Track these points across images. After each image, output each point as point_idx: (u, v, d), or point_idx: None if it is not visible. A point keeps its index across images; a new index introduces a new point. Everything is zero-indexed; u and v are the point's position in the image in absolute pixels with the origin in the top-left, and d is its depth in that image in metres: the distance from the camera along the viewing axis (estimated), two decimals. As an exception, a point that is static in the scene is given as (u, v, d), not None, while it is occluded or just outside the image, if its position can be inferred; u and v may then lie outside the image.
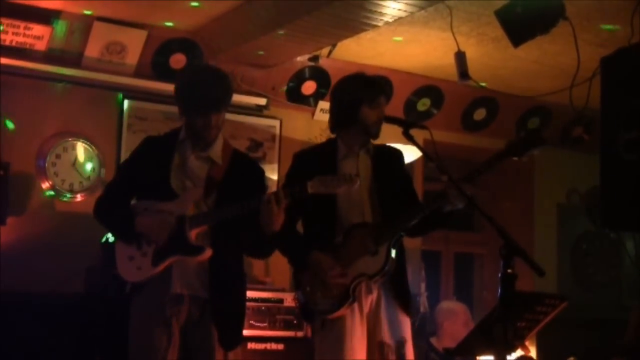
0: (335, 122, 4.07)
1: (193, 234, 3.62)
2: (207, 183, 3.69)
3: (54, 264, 5.47)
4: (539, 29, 4.62)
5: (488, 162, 3.78)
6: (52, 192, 5.78)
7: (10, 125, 5.74)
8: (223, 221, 3.63)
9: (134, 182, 3.78)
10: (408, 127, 3.83)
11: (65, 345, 5.22)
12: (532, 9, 4.59)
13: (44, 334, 5.17)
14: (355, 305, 3.86)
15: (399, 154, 4.17)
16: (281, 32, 5.52)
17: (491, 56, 6.12)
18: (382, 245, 3.83)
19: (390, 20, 5.17)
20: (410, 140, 3.81)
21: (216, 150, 3.75)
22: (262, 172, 3.99)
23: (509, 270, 2.88)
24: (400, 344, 3.90)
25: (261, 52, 6.04)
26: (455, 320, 6.09)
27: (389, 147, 4.19)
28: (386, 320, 3.91)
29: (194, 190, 3.68)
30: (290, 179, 3.99)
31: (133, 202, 3.85)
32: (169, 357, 3.63)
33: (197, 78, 3.74)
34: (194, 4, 5.40)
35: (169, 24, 5.95)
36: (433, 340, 6.13)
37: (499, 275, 2.89)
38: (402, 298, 3.97)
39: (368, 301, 3.91)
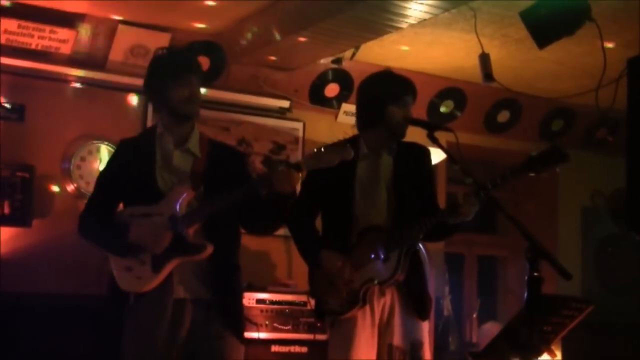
0: (361, 120, 4.04)
1: (191, 232, 3.51)
2: (193, 178, 3.59)
3: (79, 267, 5.50)
4: (564, 30, 4.58)
5: (503, 175, 3.65)
6: (77, 195, 5.83)
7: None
8: (214, 214, 3.52)
9: (116, 189, 3.66)
10: (432, 129, 3.80)
11: (89, 347, 5.25)
12: (557, 11, 4.54)
13: (68, 335, 5.20)
14: (367, 307, 3.84)
15: (424, 152, 4.06)
16: (304, 34, 5.52)
17: (515, 58, 6.09)
18: (393, 251, 3.79)
19: (414, 22, 5.15)
20: (435, 142, 3.79)
21: (194, 143, 3.64)
22: (243, 157, 3.93)
23: (535, 274, 2.85)
24: (415, 347, 3.87)
25: (283, 55, 6.03)
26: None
27: (415, 145, 4.07)
28: (399, 324, 3.86)
29: (180, 187, 3.54)
30: (310, 174, 3.94)
31: (118, 209, 3.73)
32: None
33: (161, 54, 3.71)
34: (211, 3, 5.39)
35: (194, 25, 5.96)
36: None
37: (525, 278, 2.86)
38: (419, 303, 3.92)
39: (380, 304, 3.88)
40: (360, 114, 4.04)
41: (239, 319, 3.72)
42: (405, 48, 6.15)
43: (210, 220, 3.54)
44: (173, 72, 3.54)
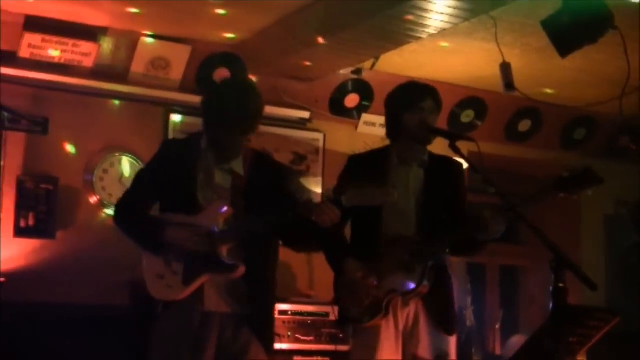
0: (387, 132, 4.06)
1: (224, 250, 3.52)
2: (233, 194, 3.61)
3: (102, 277, 5.55)
4: (587, 38, 4.55)
5: (534, 196, 3.62)
6: (100, 207, 5.89)
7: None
8: (252, 233, 3.54)
9: (154, 189, 3.68)
10: (454, 139, 3.79)
11: (113, 357, 5.26)
12: (579, 18, 4.50)
13: (92, 346, 5.23)
14: (391, 317, 3.83)
15: (457, 167, 4.03)
16: (324, 45, 5.53)
17: (535, 66, 6.06)
18: (418, 263, 3.78)
19: (434, 32, 5.15)
20: (457, 152, 3.77)
21: (237, 162, 3.66)
22: (284, 172, 3.93)
23: (560, 284, 2.83)
24: (441, 359, 3.86)
25: (304, 65, 6.05)
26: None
27: (448, 159, 4.04)
28: (425, 335, 3.84)
29: (219, 203, 3.56)
30: (341, 182, 3.96)
31: (155, 213, 3.75)
32: None
33: (228, 97, 3.59)
34: (221, 11, 5.42)
35: (214, 37, 5.99)
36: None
37: (550, 288, 2.84)
38: (445, 317, 3.90)
39: (404, 314, 3.86)
40: (386, 125, 4.07)
41: (269, 332, 3.74)
42: (425, 58, 6.14)
43: (250, 239, 3.56)
44: (233, 127, 3.56)
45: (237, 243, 3.56)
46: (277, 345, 5.43)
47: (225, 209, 3.55)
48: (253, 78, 6.20)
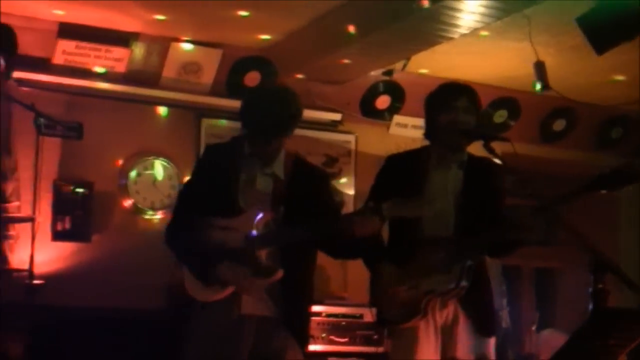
0: (424, 133, 4.03)
1: (263, 254, 3.50)
2: (273, 199, 3.59)
3: (137, 280, 5.60)
4: (623, 35, 4.49)
5: (575, 194, 3.56)
6: (134, 210, 5.95)
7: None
8: (292, 240, 3.52)
9: (200, 197, 3.66)
10: (489, 139, 3.75)
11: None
12: (615, 15, 4.44)
13: (126, 349, 5.25)
14: (429, 318, 3.80)
15: (495, 168, 3.97)
16: (354, 47, 5.52)
17: (570, 65, 6.00)
18: (456, 264, 3.75)
19: (466, 32, 5.12)
20: (492, 153, 3.73)
21: (279, 164, 3.64)
22: (325, 178, 3.92)
23: (600, 286, 2.78)
24: (480, 360, 3.83)
25: (335, 67, 6.05)
26: (554, 351, 5.91)
27: (487, 160, 4.01)
28: (464, 337, 3.80)
29: (260, 207, 3.55)
30: (378, 181, 3.94)
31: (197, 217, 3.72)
32: None
33: (263, 102, 3.56)
34: (243, 13, 5.43)
35: (244, 41, 6.01)
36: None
37: (589, 290, 2.79)
38: (484, 318, 3.87)
39: (443, 316, 3.83)
40: (425, 125, 4.04)
41: (305, 335, 3.74)
42: (457, 58, 6.11)
43: (287, 245, 3.54)
44: (269, 131, 3.55)
45: (277, 247, 3.55)
46: (312, 347, 5.41)
47: (261, 215, 3.55)
48: (284, 81, 6.23)
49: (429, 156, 3.90)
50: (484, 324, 3.83)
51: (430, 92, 4.02)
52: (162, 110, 6.17)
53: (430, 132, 3.95)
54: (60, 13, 5.57)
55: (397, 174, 3.73)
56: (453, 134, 3.85)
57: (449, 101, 3.87)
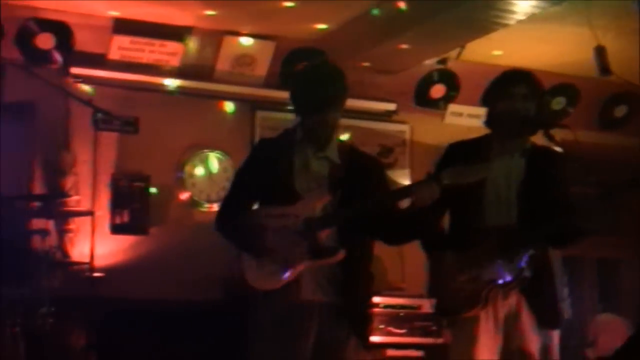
0: (485, 121, 3.98)
1: (322, 236, 3.49)
2: (330, 183, 3.55)
3: (194, 272, 5.64)
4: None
5: (630, 182, 3.49)
6: (191, 203, 6.00)
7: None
8: (350, 221, 3.49)
9: (252, 188, 3.66)
10: (548, 127, 3.69)
11: (204, 351, 5.33)
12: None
13: (184, 340, 5.30)
14: (490, 309, 3.75)
15: (557, 157, 3.94)
16: (408, 36, 5.48)
17: (632, 49, 5.85)
18: (519, 253, 3.69)
19: (522, 18, 5.04)
20: (551, 140, 3.67)
21: (333, 150, 3.61)
22: (382, 167, 3.90)
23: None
24: (543, 352, 3.76)
25: (388, 58, 6.01)
26: (612, 335, 5.84)
27: (549, 149, 3.95)
28: (528, 328, 3.73)
29: (318, 191, 3.53)
30: (439, 169, 3.91)
31: (255, 207, 3.72)
32: None
33: (311, 76, 3.62)
34: (289, 4, 5.42)
35: (297, 32, 6.01)
36: (588, 352, 5.91)
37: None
38: (546, 308, 3.80)
39: (504, 306, 3.76)
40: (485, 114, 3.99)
41: (366, 325, 3.72)
42: (513, 45, 6.01)
43: (345, 226, 3.54)
44: (320, 104, 3.55)
45: (335, 230, 3.52)
46: (370, 338, 5.40)
47: (321, 198, 3.55)
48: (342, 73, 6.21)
49: (490, 144, 3.84)
50: (548, 316, 3.76)
51: (490, 79, 3.98)
52: (217, 103, 6.19)
53: (490, 120, 3.91)
54: (115, 9, 5.63)
55: (458, 162, 3.68)
56: (512, 122, 3.80)
57: (508, 89, 3.81)
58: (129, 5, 5.56)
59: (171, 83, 6.01)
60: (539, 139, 3.79)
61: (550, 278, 3.82)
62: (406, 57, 5.96)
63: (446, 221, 4.02)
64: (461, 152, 3.89)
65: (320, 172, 3.58)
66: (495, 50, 6.10)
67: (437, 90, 6.62)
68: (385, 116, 6.61)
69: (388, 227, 3.60)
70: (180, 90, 6.05)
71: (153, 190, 5.93)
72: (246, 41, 6.04)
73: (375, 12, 5.43)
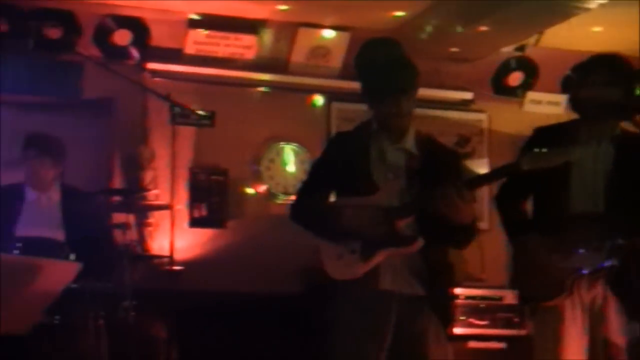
0: (572, 107, 3.89)
1: (401, 224, 3.46)
2: (408, 173, 3.54)
3: (272, 265, 5.67)
4: None
5: None
6: (268, 196, 6.04)
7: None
8: (429, 211, 3.44)
9: (329, 179, 3.67)
10: (633, 113, 3.58)
11: (284, 343, 5.34)
12: None
13: (264, 332, 5.33)
14: (576, 298, 3.66)
15: None
16: (484, 23, 5.38)
17: None
18: (606, 241, 3.59)
19: (604, 2, 4.89)
20: (637, 127, 3.57)
21: (410, 140, 3.58)
22: (459, 158, 3.85)
23: None
24: (634, 344, 3.65)
25: (464, 47, 5.93)
26: None
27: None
28: (615, 319, 3.64)
29: (395, 181, 3.52)
30: (522, 153, 3.83)
31: (331, 199, 3.74)
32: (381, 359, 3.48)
33: (380, 66, 3.64)
34: None
35: (372, 23, 5.97)
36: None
37: None
38: (633, 298, 3.68)
39: (590, 295, 3.67)
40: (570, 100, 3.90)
41: (447, 316, 3.68)
42: (596, 29, 5.85)
43: (423, 216, 3.51)
44: (392, 89, 3.55)
45: (414, 219, 3.49)
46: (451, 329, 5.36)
47: (399, 188, 3.53)
48: (412, 60, 6.15)
49: (577, 130, 3.75)
50: (635, 308, 3.66)
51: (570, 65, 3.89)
52: (291, 95, 6.19)
53: (573, 106, 3.81)
54: (190, 3, 5.67)
55: (544, 147, 3.58)
56: (594, 109, 3.70)
57: (588, 75, 3.72)
58: (204, -1, 5.60)
59: (246, 76, 6.03)
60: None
61: (638, 269, 3.70)
62: (484, 45, 5.86)
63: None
64: (547, 136, 3.80)
65: (397, 163, 3.57)
66: (575, 36, 5.93)
67: (515, 78, 6.51)
68: (462, 105, 6.53)
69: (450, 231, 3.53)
70: (255, 83, 6.08)
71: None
72: (321, 33, 6.03)
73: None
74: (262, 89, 6.12)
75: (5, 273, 2.94)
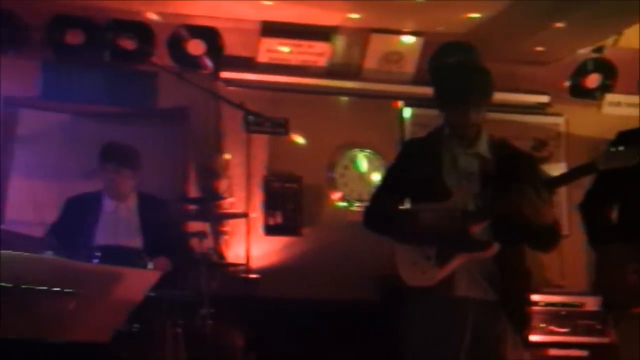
0: None
1: (476, 229, 3.43)
2: (481, 178, 3.50)
3: (348, 272, 5.66)
4: None
5: None
6: (343, 203, 6.02)
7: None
8: (506, 215, 3.40)
9: (402, 186, 3.66)
10: None
11: (361, 350, 5.32)
12: None
13: (341, 339, 5.31)
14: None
15: None
16: (560, 25, 5.28)
17: None
18: None
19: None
20: None
21: (483, 145, 3.56)
22: (535, 162, 3.77)
23: None
24: None
25: (540, 49, 5.83)
26: None
27: None
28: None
29: (468, 186, 3.50)
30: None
31: (405, 206, 3.70)
32: None
33: (455, 73, 3.65)
34: None
35: (445, 28, 5.92)
36: None
37: None
38: None
39: (678, 303, 3.57)
40: None
41: (525, 323, 3.60)
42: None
43: (498, 221, 3.46)
44: (462, 101, 3.53)
45: (488, 224, 3.45)
46: (531, 337, 5.22)
47: (472, 193, 3.49)
48: (487, 63, 6.07)
49: None
50: None
51: None
52: (364, 101, 6.17)
53: None
54: (262, 12, 5.69)
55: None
56: None
57: None
58: (276, 7, 5.61)
59: (319, 83, 6.04)
60: None
61: None
62: (561, 46, 5.76)
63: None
64: (631, 140, 3.70)
65: (470, 168, 3.54)
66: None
67: (593, 80, 6.39)
68: (539, 109, 6.42)
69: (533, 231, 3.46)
70: (328, 90, 6.08)
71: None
72: (394, 38, 6.00)
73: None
74: (335, 95, 6.11)
75: (88, 281, 2.98)
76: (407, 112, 6.22)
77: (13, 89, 5.62)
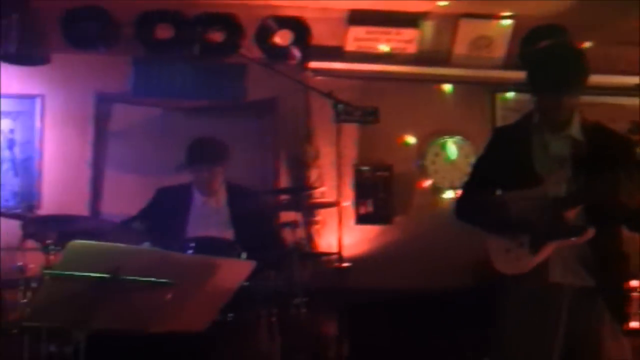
0: None
1: (570, 214, 3.38)
2: (573, 162, 3.45)
3: (441, 260, 5.61)
4: None
5: None
6: (434, 190, 6.01)
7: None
8: (601, 199, 3.33)
9: (493, 175, 3.63)
10: None
11: (454, 338, 5.29)
12: None
13: (434, 328, 5.31)
14: None
15: None
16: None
17: None
18: None
19: None
20: None
21: (575, 127, 3.48)
22: (631, 144, 3.65)
23: None
24: None
25: (636, 28, 5.64)
26: None
27: None
28: None
29: (560, 172, 3.44)
30: None
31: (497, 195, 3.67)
32: (553, 354, 3.38)
33: (549, 56, 3.55)
34: None
35: (535, 10, 5.80)
36: None
37: None
38: None
39: None
40: None
41: (623, 309, 3.51)
42: None
43: (593, 205, 3.39)
44: (556, 87, 3.45)
45: (582, 209, 3.39)
46: (630, 324, 5.10)
47: (564, 178, 3.42)
48: (580, 46, 5.93)
49: None
50: None
51: None
52: (454, 88, 6.12)
53: None
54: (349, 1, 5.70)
55: None
56: None
57: None
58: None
59: (408, 70, 5.99)
60: None
61: None
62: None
63: None
64: None
65: (561, 153, 3.48)
66: None
67: (700, 59, 6.17)
68: (636, 90, 6.21)
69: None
70: (417, 77, 6.04)
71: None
72: (483, 23, 5.92)
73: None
74: (424, 82, 6.06)
75: (184, 272, 3.02)
76: (498, 98, 6.13)
77: (105, 85, 5.77)
